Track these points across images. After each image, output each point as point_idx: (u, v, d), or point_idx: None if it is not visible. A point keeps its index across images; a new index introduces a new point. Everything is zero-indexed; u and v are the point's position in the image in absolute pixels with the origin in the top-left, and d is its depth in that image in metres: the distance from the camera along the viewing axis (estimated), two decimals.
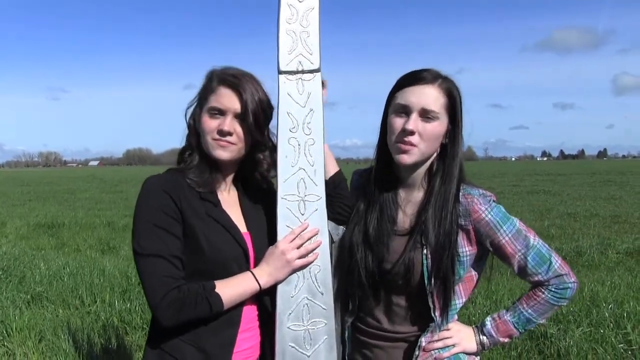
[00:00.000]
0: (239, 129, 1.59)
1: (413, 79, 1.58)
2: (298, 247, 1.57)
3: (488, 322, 1.68)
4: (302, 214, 1.59)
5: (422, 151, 1.57)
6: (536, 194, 20.93)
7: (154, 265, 1.46)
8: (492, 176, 38.92)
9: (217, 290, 1.49)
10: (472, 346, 1.66)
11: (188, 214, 1.53)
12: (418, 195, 1.66)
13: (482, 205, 1.58)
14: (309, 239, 1.58)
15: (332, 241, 1.70)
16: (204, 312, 1.48)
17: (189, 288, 1.46)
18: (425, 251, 1.57)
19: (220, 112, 1.57)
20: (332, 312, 1.61)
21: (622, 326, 4.27)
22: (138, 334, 4.64)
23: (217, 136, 1.57)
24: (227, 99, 1.57)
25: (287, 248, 1.56)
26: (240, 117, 1.58)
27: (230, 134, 1.57)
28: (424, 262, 1.56)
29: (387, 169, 1.67)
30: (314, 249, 1.59)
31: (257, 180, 1.72)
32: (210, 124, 1.57)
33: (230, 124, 1.57)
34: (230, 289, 1.51)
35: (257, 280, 1.54)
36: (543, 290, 1.62)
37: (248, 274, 1.55)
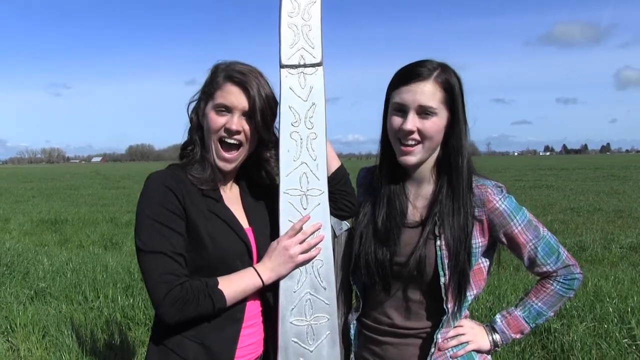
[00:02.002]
0: (246, 127, 1.58)
1: (408, 76, 1.54)
2: (301, 242, 1.56)
3: (498, 319, 1.67)
4: (305, 209, 1.58)
5: (425, 148, 1.56)
6: (539, 189, 20.89)
7: (157, 263, 1.45)
8: (495, 171, 38.82)
9: (219, 287, 1.48)
10: (486, 344, 1.65)
11: (191, 211, 1.52)
12: (428, 188, 1.65)
13: (496, 195, 1.57)
14: (312, 233, 1.57)
15: (334, 236, 1.69)
16: (206, 309, 1.47)
17: (191, 285, 1.46)
18: (438, 243, 1.55)
19: (227, 109, 1.56)
20: (335, 307, 1.60)
21: (626, 321, 4.26)
22: (141, 330, 4.64)
23: (224, 134, 1.56)
24: (235, 96, 1.55)
25: (289, 243, 1.55)
26: (248, 115, 1.57)
27: (238, 132, 1.56)
28: (438, 253, 1.55)
29: (393, 165, 1.65)
30: (317, 244, 1.58)
31: (262, 177, 1.71)
32: (217, 121, 1.56)
33: (238, 122, 1.56)
34: (233, 285, 1.50)
35: (259, 276, 1.53)
36: (551, 281, 1.63)
37: (251, 269, 1.54)
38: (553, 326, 4.16)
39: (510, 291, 5.17)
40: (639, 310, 4.47)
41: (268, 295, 1.63)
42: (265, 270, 1.54)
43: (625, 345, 3.90)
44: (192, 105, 1.66)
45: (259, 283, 1.53)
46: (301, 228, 1.56)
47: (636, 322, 4.18)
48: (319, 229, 1.58)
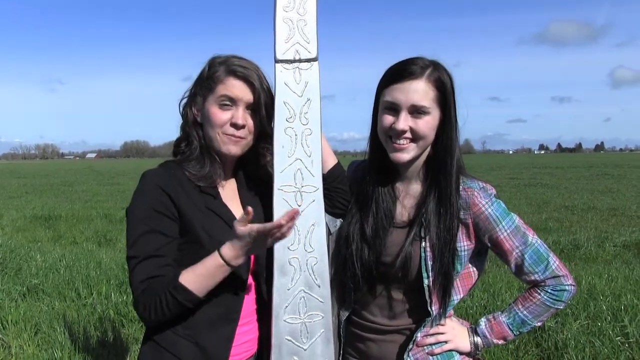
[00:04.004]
0: (250, 121, 1.56)
1: (400, 74, 1.52)
2: None
3: (482, 322, 1.65)
4: (299, 205, 1.56)
5: (419, 147, 1.54)
6: (534, 187, 20.98)
7: (138, 267, 1.43)
8: (490, 169, 38.96)
9: (181, 280, 1.40)
10: (466, 345, 1.63)
11: (186, 209, 1.50)
12: (416, 187, 1.63)
13: (482, 199, 1.55)
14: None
15: (329, 233, 1.68)
16: (173, 306, 1.40)
17: (155, 287, 1.40)
18: (423, 244, 1.54)
19: (232, 102, 1.53)
20: (329, 305, 1.58)
21: (619, 319, 4.27)
22: (134, 327, 4.62)
23: (231, 130, 1.53)
24: (239, 89, 1.53)
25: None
26: (252, 109, 1.55)
27: (243, 126, 1.54)
28: (422, 255, 1.54)
29: (382, 164, 1.63)
30: (292, 218, 1.45)
31: (258, 172, 1.69)
32: (221, 116, 1.53)
33: (243, 115, 1.54)
34: (194, 272, 1.41)
35: (220, 254, 1.41)
36: (539, 291, 1.59)
37: (214, 252, 1.43)
38: (547, 324, 4.16)
39: (505, 289, 5.18)
40: (632, 308, 4.48)
41: (264, 293, 1.61)
42: (229, 248, 1.41)
43: (619, 343, 3.91)
44: (185, 100, 1.63)
45: (219, 262, 1.40)
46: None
47: (629, 320, 4.19)
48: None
